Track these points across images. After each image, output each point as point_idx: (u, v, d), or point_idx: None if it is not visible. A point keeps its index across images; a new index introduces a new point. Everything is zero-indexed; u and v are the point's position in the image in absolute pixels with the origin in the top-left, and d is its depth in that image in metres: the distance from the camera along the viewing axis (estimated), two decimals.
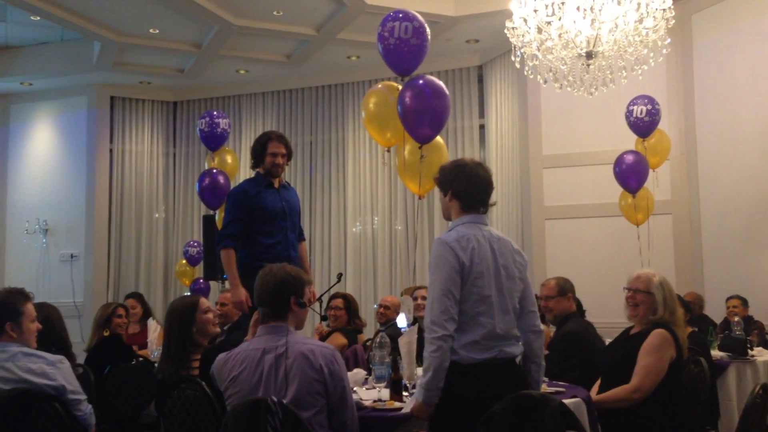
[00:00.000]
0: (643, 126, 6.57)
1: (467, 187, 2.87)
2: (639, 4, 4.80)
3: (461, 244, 2.76)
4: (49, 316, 3.53)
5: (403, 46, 4.59)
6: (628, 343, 3.52)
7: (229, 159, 7.12)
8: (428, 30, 4.81)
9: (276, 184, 4.51)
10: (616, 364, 3.51)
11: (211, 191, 6.74)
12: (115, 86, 9.48)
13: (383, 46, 4.63)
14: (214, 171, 6.87)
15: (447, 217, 2.99)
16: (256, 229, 4.38)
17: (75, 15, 7.46)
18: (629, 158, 6.52)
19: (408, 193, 8.12)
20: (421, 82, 4.64)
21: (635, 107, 6.56)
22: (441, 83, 4.73)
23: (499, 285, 2.80)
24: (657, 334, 3.40)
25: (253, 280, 4.21)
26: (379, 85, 5.08)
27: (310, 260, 8.88)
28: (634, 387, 3.36)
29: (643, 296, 3.54)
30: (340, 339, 5.33)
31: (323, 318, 5.74)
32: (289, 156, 4.52)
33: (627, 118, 6.61)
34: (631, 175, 6.50)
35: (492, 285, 2.78)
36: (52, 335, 3.48)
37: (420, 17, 4.73)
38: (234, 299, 4.28)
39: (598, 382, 3.64)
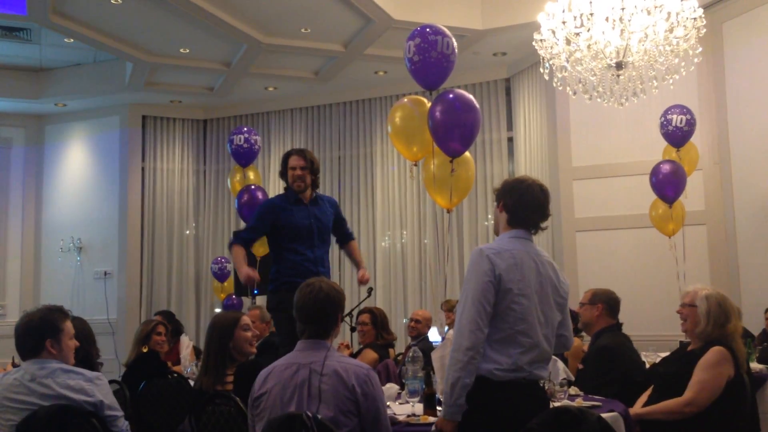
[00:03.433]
0: (681, 135, 6.48)
1: (518, 201, 2.82)
2: (669, 14, 4.75)
3: (501, 256, 2.69)
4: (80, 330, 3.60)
5: (443, 61, 4.60)
6: (684, 358, 3.48)
7: (251, 176, 7.12)
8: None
9: (307, 200, 4.54)
10: (670, 377, 3.46)
11: (249, 207, 6.63)
12: (146, 105, 9.63)
13: (422, 58, 4.59)
14: (253, 187, 6.84)
15: (496, 232, 2.95)
16: (284, 246, 4.45)
17: (108, 37, 7.61)
18: (666, 168, 6.40)
19: (437, 206, 8.11)
20: (451, 96, 4.63)
21: (674, 116, 6.46)
22: (471, 97, 4.72)
23: (541, 306, 2.74)
24: (715, 351, 3.34)
25: (281, 296, 4.30)
26: (405, 99, 5.08)
27: (339, 275, 8.91)
28: (687, 401, 3.31)
29: (688, 309, 3.53)
30: (371, 354, 5.33)
31: (353, 329, 5.77)
32: (312, 169, 4.54)
33: (664, 127, 6.52)
34: (668, 184, 6.39)
35: (535, 305, 2.71)
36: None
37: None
38: (242, 278, 4.35)
39: (647, 393, 3.60)
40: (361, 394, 2.58)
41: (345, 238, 4.79)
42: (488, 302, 2.63)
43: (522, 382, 2.66)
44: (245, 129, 7.05)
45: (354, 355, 5.32)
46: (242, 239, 4.51)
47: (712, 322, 3.42)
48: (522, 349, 2.65)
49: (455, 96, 4.64)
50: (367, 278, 4.61)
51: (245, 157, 6.94)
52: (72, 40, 7.87)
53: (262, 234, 4.55)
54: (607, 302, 4.21)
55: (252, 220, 4.61)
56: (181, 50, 7.99)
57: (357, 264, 4.73)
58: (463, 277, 8.35)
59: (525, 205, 2.83)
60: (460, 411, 2.60)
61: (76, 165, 9.82)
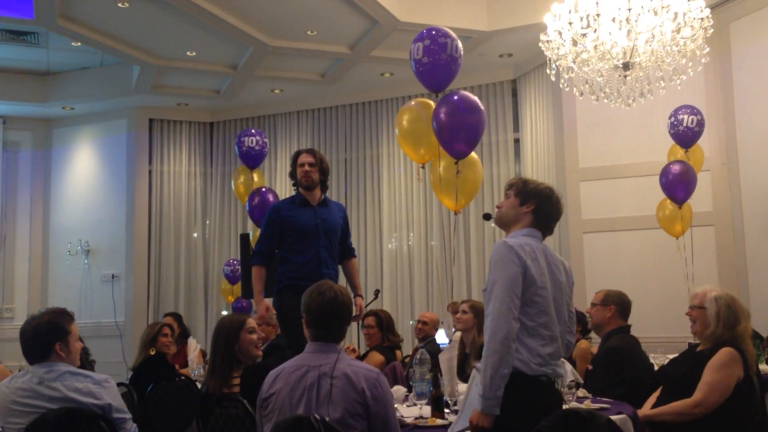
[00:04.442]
0: (691, 136, 6.44)
1: (555, 213, 2.98)
2: (676, 14, 4.74)
3: (524, 249, 2.75)
4: None
5: (452, 64, 4.61)
6: (693, 359, 3.46)
7: (255, 177, 7.11)
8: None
9: (314, 201, 4.53)
10: (679, 378, 3.45)
11: (261, 210, 6.60)
12: (153, 108, 9.66)
13: (431, 59, 4.59)
14: (263, 189, 6.83)
15: (504, 223, 2.98)
16: (289, 248, 4.45)
17: (114, 40, 7.63)
18: (676, 168, 6.35)
19: (443, 208, 8.10)
20: (456, 97, 4.63)
21: (684, 116, 6.42)
22: (476, 98, 4.72)
23: (554, 302, 2.79)
24: (725, 352, 3.33)
25: (284, 298, 4.30)
26: (412, 102, 5.08)
27: None
28: (696, 402, 3.29)
29: (698, 312, 3.52)
30: (378, 357, 5.32)
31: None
32: (321, 168, 4.55)
33: (674, 127, 6.47)
34: (678, 185, 6.34)
35: (551, 299, 2.78)
36: None
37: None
38: (257, 316, 4.35)
39: (655, 394, 3.58)
40: (371, 397, 2.58)
41: (346, 254, 4.68)
42: (519, 292, 2.68)
43: (544, 379, 2.69)
44: (254, 131, 7.07)
45: (360, 358, 5.31)
46: (260, 255, 4.47)
47: (722, 324, 3.40)
48: (544, 341, 2.70)
49: (460, 98, 4.64)
50: (362, 311, 4.59)
51: (255, 159, 6.94)
52: (79, 44, 7.89)
53: (276, 240, 4.49)
54: (619, 304, 4.21)
55: (262, 230, 4.58)
56: (188, 53, 8.01)
57: (354, 288, 4.59)
58: (469, 278, 8.47)
59: (556, 216, 3.00)
60: (499, 404, 2.58)
61: (83, 168, 9.85)
